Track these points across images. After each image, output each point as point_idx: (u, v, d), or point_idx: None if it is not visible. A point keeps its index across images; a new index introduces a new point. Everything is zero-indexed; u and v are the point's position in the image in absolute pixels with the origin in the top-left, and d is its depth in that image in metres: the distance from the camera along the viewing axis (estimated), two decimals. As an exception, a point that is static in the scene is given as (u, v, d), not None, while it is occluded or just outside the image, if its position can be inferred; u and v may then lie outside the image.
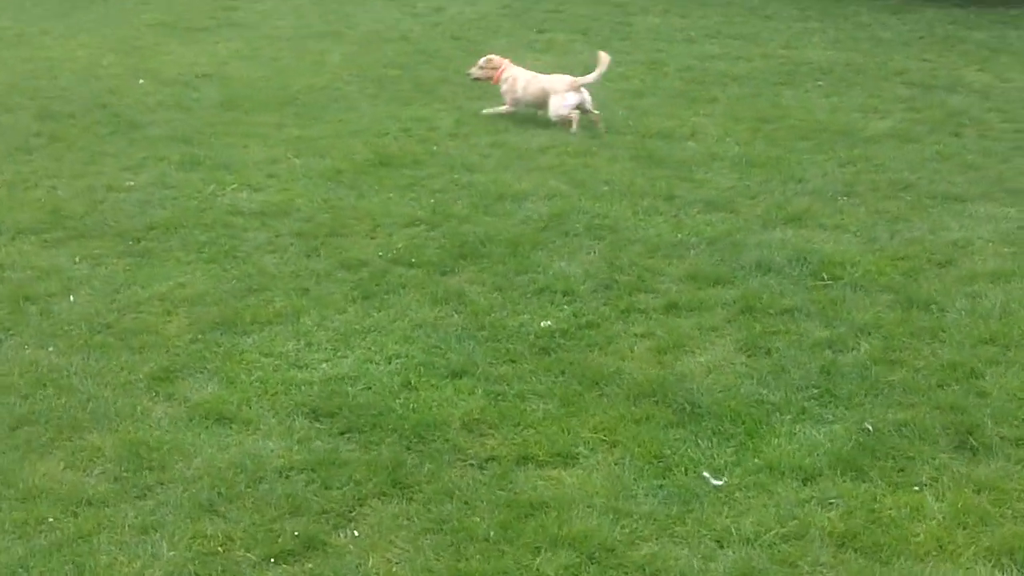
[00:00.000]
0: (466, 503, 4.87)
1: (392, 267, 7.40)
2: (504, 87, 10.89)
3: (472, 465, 5.19)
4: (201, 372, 6.09)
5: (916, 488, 4.90)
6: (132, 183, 9.03)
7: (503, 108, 10.91)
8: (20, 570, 4.50)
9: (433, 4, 17.00)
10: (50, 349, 6.34)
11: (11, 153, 9.75)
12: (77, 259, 7.55)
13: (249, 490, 4.99)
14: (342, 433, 5.47)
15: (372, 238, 7.95)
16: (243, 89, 12.13)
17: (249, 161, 9.64)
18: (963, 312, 6.56)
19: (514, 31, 15.22)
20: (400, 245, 7.74)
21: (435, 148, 9.98)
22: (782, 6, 17.05)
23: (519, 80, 10.81)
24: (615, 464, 5.16)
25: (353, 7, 17.01)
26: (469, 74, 11.23)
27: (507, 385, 5.88)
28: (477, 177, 9.15)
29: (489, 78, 11.03)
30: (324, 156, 9.78)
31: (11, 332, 6.54)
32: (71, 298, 6.97)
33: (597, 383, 5.86)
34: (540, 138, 10.28)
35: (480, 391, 5.82)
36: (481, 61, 11.15)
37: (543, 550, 4.53)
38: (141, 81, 12.29)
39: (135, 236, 7.93)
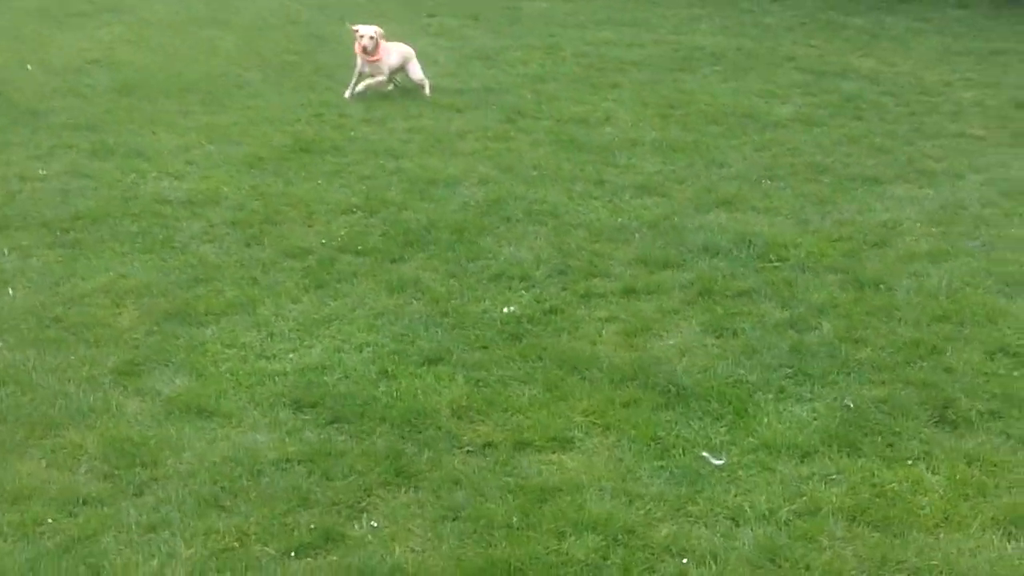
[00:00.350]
0: (476, 490, 4.85)
1: (339, 255, 7.31)
2: (385, 58, 10.92)
3: (470, 452, 5.18)
4: (166, 365, 5.94)
5: (910, 462, 5.04)
6: (45, 172, 8.75)
7: (381, 79, 11.02)
8: (31, 574, 4.33)
9: (317, -12, 16.78)
10: (-1, 345, 6.13)
11: (-91, 144, 9.36)
12: (6, 251, 7.28)
13: (251, 484, 4.89)
14: (330, 423, 5.40)
15: (309, 226, 7.84)
16: (136, 75, 11.83)
17: (162, 149, 9.41)
18: (911, 291, 6.76)
19: (403, 16, 15.10)
20: (342, 233, 7.66)
21: (352, 134, 9.88)
22: (664, -8, 17.29)
23: (391, 50, 11.02)
24: (613, 447, 5.20)
25: (233, -9, 16.69)
26: (362, 44, 10.74)
27: (486, 371, 5.87)
28: (403, 163, 9.09)
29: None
30: (239, 143, 9.62)
31: (-46, 328, 6.29)
32: (10, 291, 6.73)
33: (576, 367, 5.89)
34: (456, 122, 10.29)
35: (460, 378, 5.79)
36: (370, 31, 10.74)
37: (568, 534, 4.55)
38: (29, 67, 11.87)
39: (62, 227, 7.69)
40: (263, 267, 7.13)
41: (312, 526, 4.60)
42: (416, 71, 11.17)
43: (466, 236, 7.59)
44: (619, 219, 7.97)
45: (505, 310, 6.56)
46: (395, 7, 15.79)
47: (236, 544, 4.51)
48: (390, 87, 11.19)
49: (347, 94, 10.97)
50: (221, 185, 8.52)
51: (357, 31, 10.82)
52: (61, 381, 5.74)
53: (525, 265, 7.14)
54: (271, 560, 4.44)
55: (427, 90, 11.15)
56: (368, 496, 4.84)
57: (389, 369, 5.89)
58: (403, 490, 4.88)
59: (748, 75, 12.45)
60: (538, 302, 6.68)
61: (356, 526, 4.64)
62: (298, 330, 6.33)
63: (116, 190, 8.38)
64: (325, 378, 5.80)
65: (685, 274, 7.05)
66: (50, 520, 4.64)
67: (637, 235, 7.67)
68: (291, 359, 6.01)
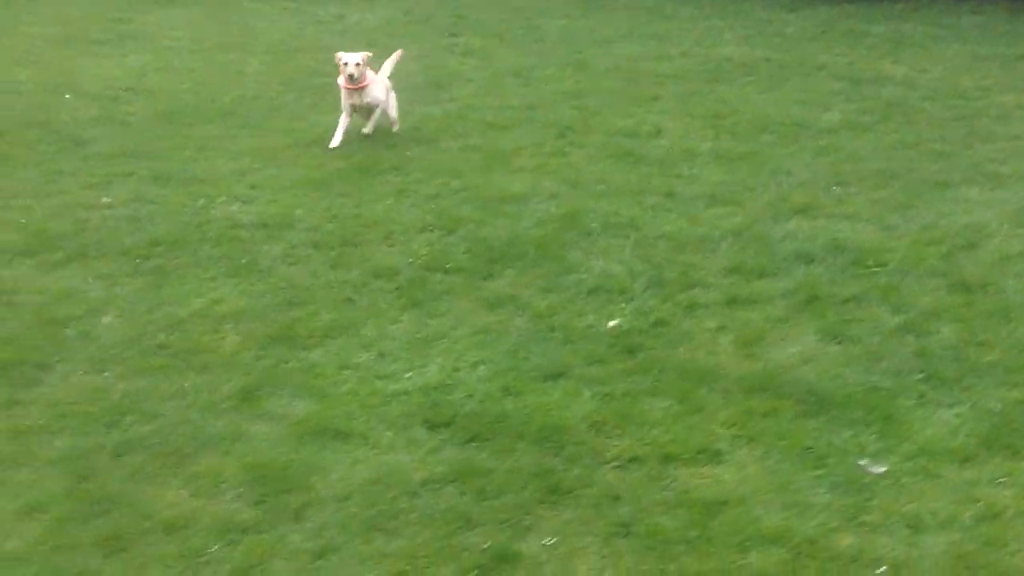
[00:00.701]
0: (637, 505, 4.76)
1: (427, 274, 7.20)
2: (377, 89, 10.04)
3: (618, 467, 5.07)
4: (284, 388, 5.82)
5: (1076, 464, 4.98)
6: (108, 200, 8.60)
7: (376, 108, 10.07)
8: (207, 606, 4.22)
9: (333, 11, 16.74)
10: (106, 374, 6.00)
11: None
12: (90, 279, 7.15)
13: (407, 505, 4.78)
14: (467, 442, 5.29)
15: (390, 245, 7.73)
16: (173, 102, 11.71)
17: (220, 174, 9.29)
18: (1021, 293, 6.70)
19: (426, 36, 15.04)
20: (424, 251, 7.55)
21: (408, 154, 9.77)
22: (679, 6, 17.29)
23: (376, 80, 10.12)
24: (764, 458, 5.10)
25: (249, 17, 16.64)
26: (349, 73, 9.73)
27: (610, 385, 5.77)
28: (468, 180, 8.99)
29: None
30: (294, 165, 9.50)
31: (56, 358, 6.15)
32: (104, 319, 6.60)
33: (703, 379, 5.79)
34: (506, 140, 10.19)
35: (587, 393, 5.70)
36: (356, 58, 9.87)
37: (749, 548, 4.45)
38: (68, 96, 11.73)
39: (141, 254, 7.56)
40: (354, 288, 7.02)
41: (486, 546, 4.49)
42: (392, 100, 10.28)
43: (551, 251, 7.50)
44: (699, 229, 7.89)
45: (610, 324, 6.47)
46: (416, 28, 15.73)
47: (408, 568, 4.40)
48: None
49: (334, 142, 9.96)
50: (291, 208, 8.40)
51: (341, 59, 9.94)
52: (181, 409, 5.62)
53: (619, 278, 7.05)
54: (451, 583, 4.32)
55: (369, 127, 10.23)
56: (528, 514, 4.73)
57: (511, 386, 5.78)
58: (563, 507, 4.77)
59: (785, 85, 12.41)
60: (642, 314, 6.59)
61: (528, 545, 4.52)
62: (407, 349, 6.23)
63: (186, 216, 8.25)
64: (449, 397, 5.70)
65: (783, 282, 6.97)
66: (212, 549, 4.51)
67: (723, 244, 7.59)
68: (409, 378, 5.90)
